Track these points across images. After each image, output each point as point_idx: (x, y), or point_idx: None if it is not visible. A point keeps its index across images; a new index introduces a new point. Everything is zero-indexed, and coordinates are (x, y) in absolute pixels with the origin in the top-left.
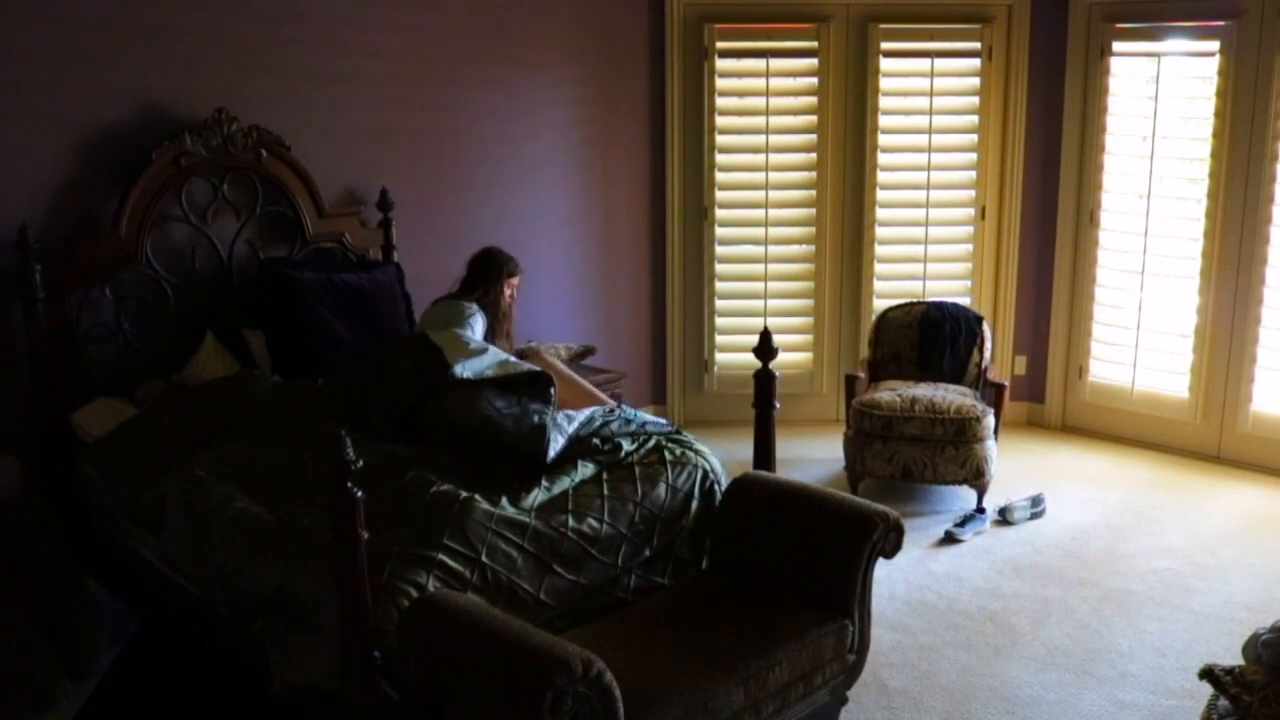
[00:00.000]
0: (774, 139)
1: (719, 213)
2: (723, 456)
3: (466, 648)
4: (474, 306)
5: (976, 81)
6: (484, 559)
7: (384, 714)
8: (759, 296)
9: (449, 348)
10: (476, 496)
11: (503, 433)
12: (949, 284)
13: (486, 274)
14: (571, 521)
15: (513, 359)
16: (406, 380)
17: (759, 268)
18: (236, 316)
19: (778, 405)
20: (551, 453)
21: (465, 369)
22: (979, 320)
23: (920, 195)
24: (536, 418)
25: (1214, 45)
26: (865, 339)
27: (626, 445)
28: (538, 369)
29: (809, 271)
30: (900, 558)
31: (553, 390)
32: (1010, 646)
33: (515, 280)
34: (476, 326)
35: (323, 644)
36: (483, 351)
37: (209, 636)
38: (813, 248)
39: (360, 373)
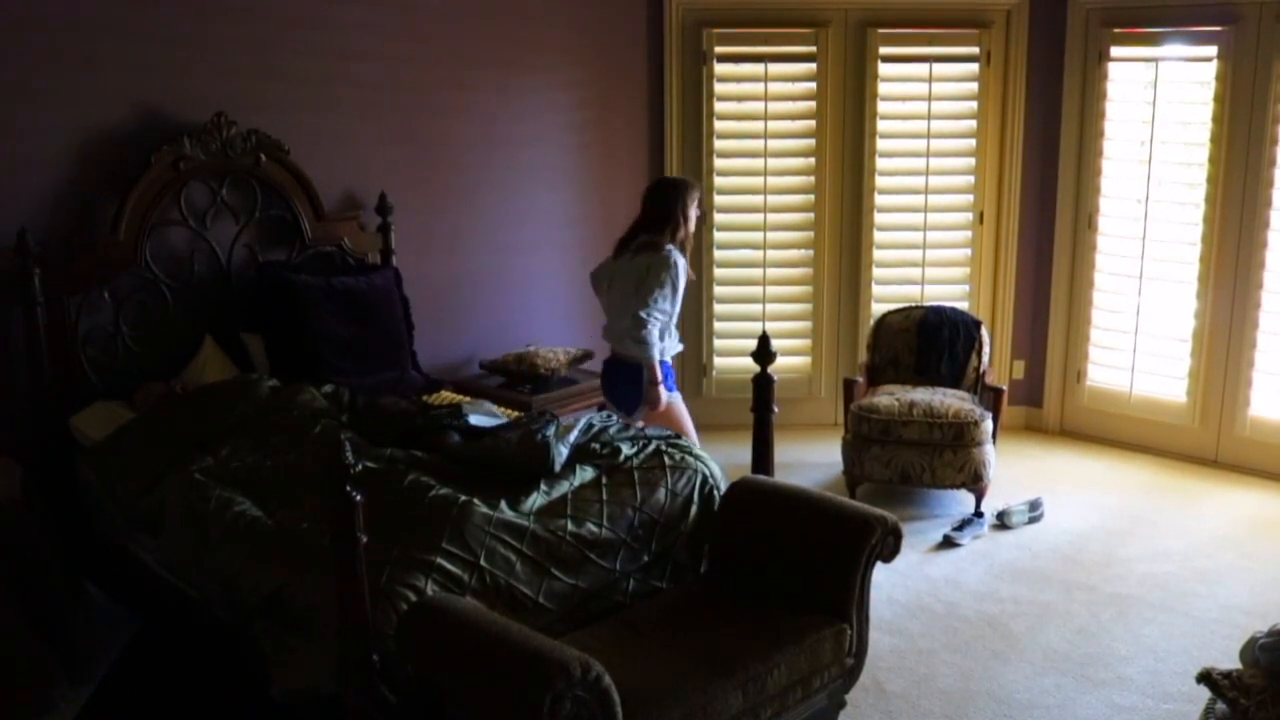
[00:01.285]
0: (772, 143)
1: (717, 217)
2: (721, 460)
3: (465, 651)
4: (676, 252)
5: (975, 86)
6: (482, 563)
7: (383, 717)
8: (757, 300)
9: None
10: (475, 500)
11: (507, 455)
12: (947, 288)
13: (675, 204)
14: (570, 525)
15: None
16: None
17: (757, 272)
18: (235, 320)
19: (776, 409)
20: (557, 467)
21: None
22: (977, 325)
23: (918, 200)
24: (539, 436)
25: (1212, 50)
26: (863, 343)
27: (626, 449)
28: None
29: (807, 276)
30: (898, 562)
31: (553, 415)
32: (1008, 651)
33: (698, 200)
34: (680, 278)
35: (321, 647)
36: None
37: (208, 640)
38: (811, 252)
39: (370, 388)
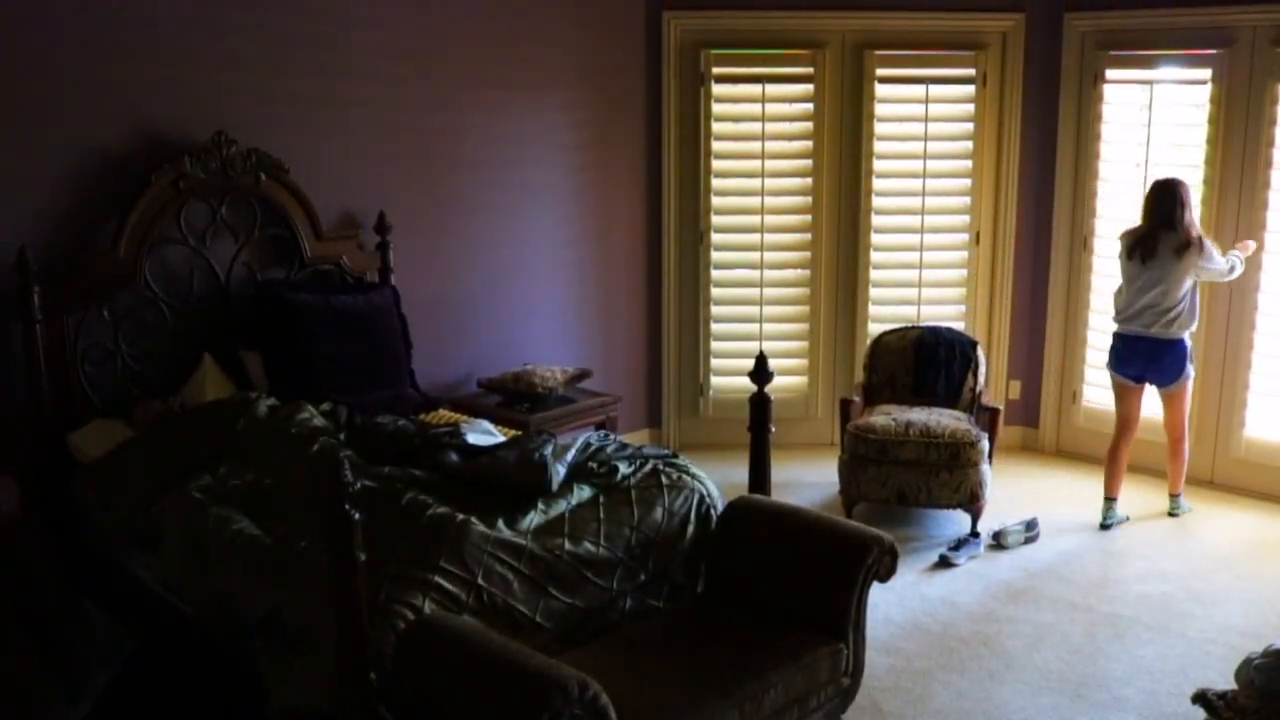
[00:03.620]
0: (770, 164)
1: (715, 236)
2: (718, 480)
3: (463, 670)
4: (1205, 240)
5: (971, 108)
6: (480, 581)
7: None
8: (754, 320)
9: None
10: (473, 519)
11: (504, 473)
12: (943, 308)
13: (1183, 202)
14: (568, 544)
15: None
16: (408, 431)
17: (754, 292)
18: (234, 338)
19: (773, 429)
20: (554, 486)
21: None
22: (973, 345)
23: (915, 220)
24: (537, 454)
25: (1205, 73)
26: (860, 363)
27: (623, 468)
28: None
29: (804, 296)
30: (895, 582)
31: (550, 434)
32: (1004, 670)
33: None
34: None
35: (319, 665)
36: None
37: (205, 658)
38: (808, 272)
39: (368, 406)
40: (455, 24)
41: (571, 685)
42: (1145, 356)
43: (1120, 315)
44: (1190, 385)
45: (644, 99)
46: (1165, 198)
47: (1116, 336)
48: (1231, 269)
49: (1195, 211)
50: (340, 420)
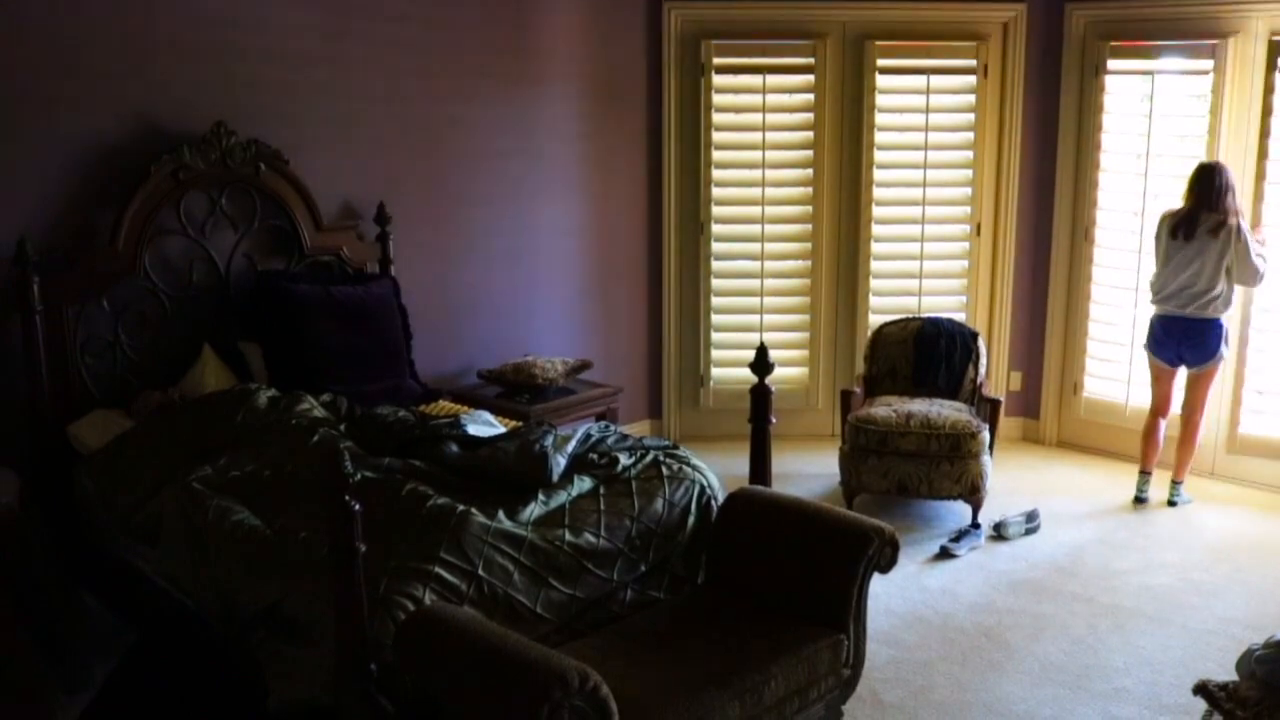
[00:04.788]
0: (770, 154)
1: (715, 228)
2: (718, 471)
3: (463, 661)
4: (1243, 222)
5: (972, 98)
6: (480, 572)
7: None
8: (755, 311)
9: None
10: (473, 510)
11: (505, 465)
12: (944, 299)
13: (1225, 183)
14: (568, 535)
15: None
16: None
17: (755, 283)
18: (234, 329)
19: (774, 420)
20: (555, 477)
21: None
22: (974, 336)
23: (916, 211)
24: (537, 446)
25: (1208, 64)
26: (861, 354)
27: (624, 459)
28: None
29: (805, 287)
30: (895, 573)
31: (551, 425)
32: (1005, 662)
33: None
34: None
35: (319, 658)
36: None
37: (205, 650)
38: (809, 263)
39: (368, 397)
40: (455, 14)
41: (572, 676)
42: (1181, 337)
43: (1157, 296)
44: (1219, 368)
45: (644, 90)
46: (1209, 178)
47: (1154, 319)
48: (1260, 274)
49: (1237, 197)
50: (340, 411)
